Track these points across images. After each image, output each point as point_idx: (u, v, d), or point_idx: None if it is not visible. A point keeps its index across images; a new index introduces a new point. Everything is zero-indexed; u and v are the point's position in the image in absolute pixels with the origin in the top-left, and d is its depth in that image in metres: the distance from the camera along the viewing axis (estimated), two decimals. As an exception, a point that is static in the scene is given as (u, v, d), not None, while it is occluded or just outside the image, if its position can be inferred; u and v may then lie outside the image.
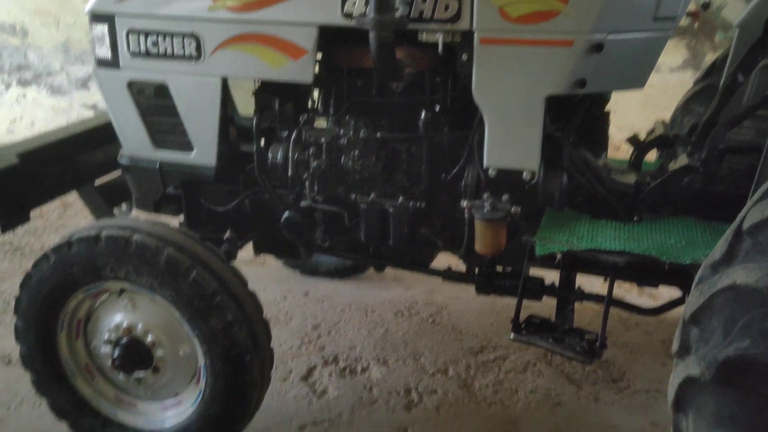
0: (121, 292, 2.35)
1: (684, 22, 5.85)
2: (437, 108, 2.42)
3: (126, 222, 2.30)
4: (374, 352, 3.23)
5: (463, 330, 3.42)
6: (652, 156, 2.73)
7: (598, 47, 2.10)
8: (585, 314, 3.31)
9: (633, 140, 2.64)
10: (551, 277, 2.53)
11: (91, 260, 2.22)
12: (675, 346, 1.73)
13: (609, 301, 2.21)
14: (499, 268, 2.57)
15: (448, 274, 2.63)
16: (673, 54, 5.64)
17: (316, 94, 2.62)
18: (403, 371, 3.09)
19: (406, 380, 3.03)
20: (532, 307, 2.46)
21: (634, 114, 5.66)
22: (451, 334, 3.40)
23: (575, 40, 2.09)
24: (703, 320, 1.63)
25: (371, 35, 2.11)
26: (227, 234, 2.59)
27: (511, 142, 2.27)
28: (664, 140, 2.58)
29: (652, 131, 2.71)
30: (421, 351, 3.24)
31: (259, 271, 3.92)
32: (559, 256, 2.17)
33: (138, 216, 2.68)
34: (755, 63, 2.34)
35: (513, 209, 2.22)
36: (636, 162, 2.60)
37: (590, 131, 2.53)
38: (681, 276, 2.16)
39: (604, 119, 2.56)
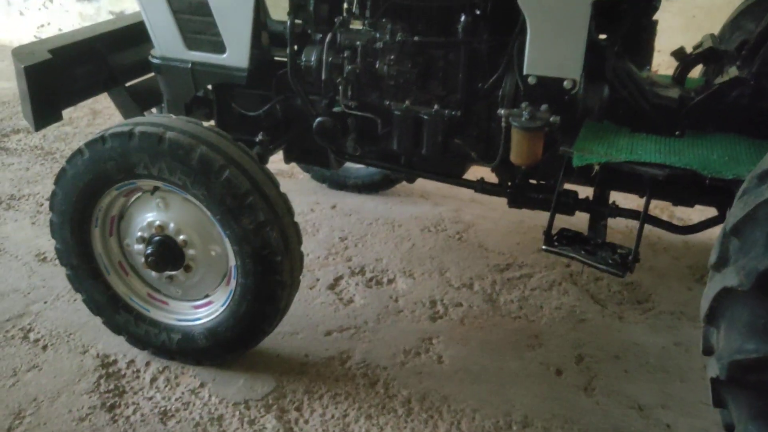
0: (155, 190, 2.36)
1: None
2: (477, 12, 2.33)
3: (159, 119, 2.28)
4: (400, 265, 3.25)
5: (489, 247, 3.42)
6: (695, 73, 2.63)
7: (652, -53, 1.98)
8: (614, 237, 3.28)
9: (678, 54, 2.53)
10: (584, 193, 2.49)
11: (125, 156, 2.21)
12: (713, 258, 1.70)
13: (645, 215, 2.17)
14: (534, 182, 2.53)
15: (481, 186, 2.59)
16: (721, -27, 5.34)
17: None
18: (429, 284, 3.11)
19: (431, 293, 3.05)
20: (565, 222, 2.43)
21: (677, 36, 5.42)
22: (477, 251, 3.40)
23: (629, -62, 1.98)
24: (746, 231, 1.60)
25: None
26: (260, 136, 2.56)
27: (554, 48, 2.18)
28: (713, 54, 2.47)
29: (699, 45, 2.59)
30: (447, 266, 3.25)
31: (287, 183, 3.92)
32: (596, 167, 2.12)
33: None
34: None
35: (552, 119, 2.16)
36: (680, 77, 2.50)
37: (635, 42, 2.42)
38: (721, 193, 2.11)
39: (650, 30, 2.45)
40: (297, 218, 2.40)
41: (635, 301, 3.05)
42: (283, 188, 2.36)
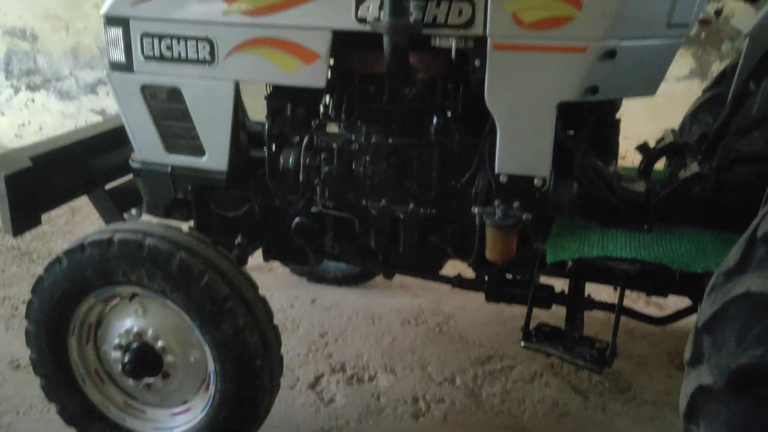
0: (133, 296, 2.35)
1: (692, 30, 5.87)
2: (449, 114, 2.42)
3: (139, 226, 2.30)
4: (381, 360, 3.22)
5: (470, 339, 3.41)
6: (659, 165, 2.74)
7: (611, 54, 2.10)
8: (592, 325, 3.30)
9: (642, 148, 2.64)
10: (560, 285, 2.53)
11: (104, 264, 2.22)
12: (687, 354, 1.72)
13: (620, 309, 2.20)
14: (510, 276, 2.57)
15: (458, 282, 2.63)
16: (679, 63, 5.64)
17: (328, 99, 2.63)
18: (411, 380, 3.08)
19: (413, 389, 3.02)
20: (541, 316, 2.45)
21: (642, 123, 5.65)
22: (458, 344, 3.39)
23: (588, 46, 2.10)
24: (716, 328, 1.63)
25: (385, 39, 2.12)
26: (238, 239, 2.59)
27: (522, 148, 2.27)
28: (674, 148, 2.58)
29: (661, 139, 2.71)
30: (428, 360, 3.23)
31: (267, 278, 3.92)
32: (570, 263, 2.17)
33: (150, 220, 2.69)
34: (766, 72, 2.35)
35: (524, 216, 2.22)
36: (645, 170, 2.60)
37: (601, 139, 2.53)
38: (692, 285, 2.16)
39: (614, 127, 2.56)
40: (277, 314, 2.39)
41: (617, 391, 3.04)
42: (262, 283, 2.37)
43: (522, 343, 2.22)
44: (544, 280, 2.50)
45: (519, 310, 3.49)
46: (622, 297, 2.22)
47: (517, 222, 2.22)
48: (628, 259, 2.11)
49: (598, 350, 2.18)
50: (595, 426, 2.81)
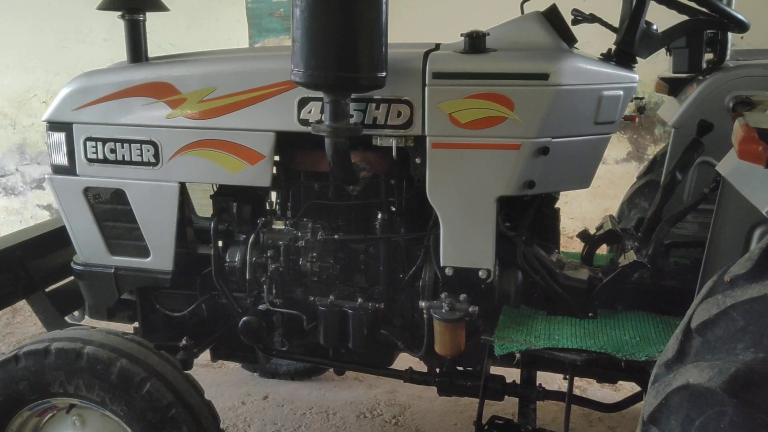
0: (70, 408, 2.25)
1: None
2: (393, 209, 2.47)
3: (77, 333, 2.23)
4: (336, 458, 3.13)
5: (426, 431, 3.35)
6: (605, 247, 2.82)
7: (544, 150, 2.19)
8: (549, 410, 3.28)
9: (583, 236, 2.72)
10: (513, 374, 2.53)
11: (40, 375, 2.13)
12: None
13: (569, 399, 2.21)
14: (462, 368, 2.56)
15: (410, 376, 2.60)
16: (618, 147, 5.92)
17: (273, 196, 2.65)
18: (367, 478, 2.99)
19: (369, 488, 2.92)
20: (495, 406, 2.44)
21: (585, 204, 5.87)
22: (415, 437, 3.32)
23: (522, 144, 2.19)
24: (662, 420, 1.64)
25: (327, 141, 2.18)
26: (183, 341, 2.53)
27: (466, 241, 2.31)
28: (613, 236, 2.66)
29: (601, 227, 2.80)
30: (385, 455, 3.15)
31: (217, 375, 3.81)
32: (518, 355, 2.18)
33: (89, 325, 2.61)
34: (692, 161, 2.48)
35: (471, 309, 2.24)
36: (587, 257, 2.67)
37: (542, 228, 2.60)
38: (638, 372, 2.19)
39: (554, 216, 2.64)
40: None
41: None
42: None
43: (474, 440, 2.19)
44: (496, 370, 2.50)
45: (475, 400, 3.46)
46: (571, 387, 2.23)
47: (465, 315, 2.23)
48: (574, 349, 2.14)
49: (549, 443, 2.16)
50: None
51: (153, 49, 2.68)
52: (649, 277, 2.36)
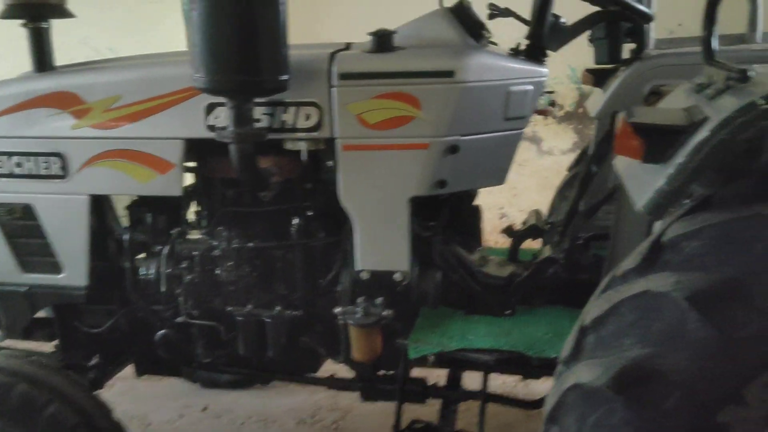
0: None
1: (570, 107, 6.22)
2: (309, 214, 2.42)
3: (-22, 356, 2.15)
4: (272, 468, 3.08)
5: (366, 434, 3.32)
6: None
7: (453, 149, 2.17)
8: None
9: (508, 231, 2.71)
10: (440, 375, 2.51)
11: (-64, 402, 2.05)
12: (542, 444, 1.71)
13: (484, 399, 2.19)
14: (386, 371, 2.52)
15: (332, 383, 2.56)
16: (563, 138, 5.94)
17: (189, 205, 2.59)
18: (302, 487, 2.95)
19: (305, 496, 2.88)
20: (431, 408, 2.41)
21: (534, 196, 5.87)
22: (354, 441, 3.29)
23: (431, 143, 2.17)
24: (560, 418, 1.62)
25: (231, 148, 2.13)
26: (94, 360, 2.45)
27: (380, 244, 2.28)
28: (535, 230, 2.65)
29: (526, 222, 2.79)
30: (323, 462, 3.11)
31: (156, 387, 3.72)
32: (431, 358, 2.15)
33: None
34: (606, 154, 2.47)
35: (385, 313, 2.21)
36: (512, 253, 2.66)
37: (462, 227, 2.58)
38: (552, 368, 2.17)
39: (474, 214, 2.62)
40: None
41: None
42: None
43: (391, 446, 2.16)
44: (422, 371, 2.47)
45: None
46: (485, 386, 2.21)
47: (379, 320, 2.20)
48: (486, 349, 2.12)
49: (468, 445, 2.14)
50: None
51: (90, 54, 2.60)
52: (566, 271, 2.35)
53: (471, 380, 2.55)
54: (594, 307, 1.61)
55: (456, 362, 2.26)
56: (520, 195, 5.89)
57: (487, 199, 6.36)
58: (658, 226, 1.91)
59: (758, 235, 1.37)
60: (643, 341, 1.45)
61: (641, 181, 1.46)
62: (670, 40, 3.32)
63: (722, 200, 1.51)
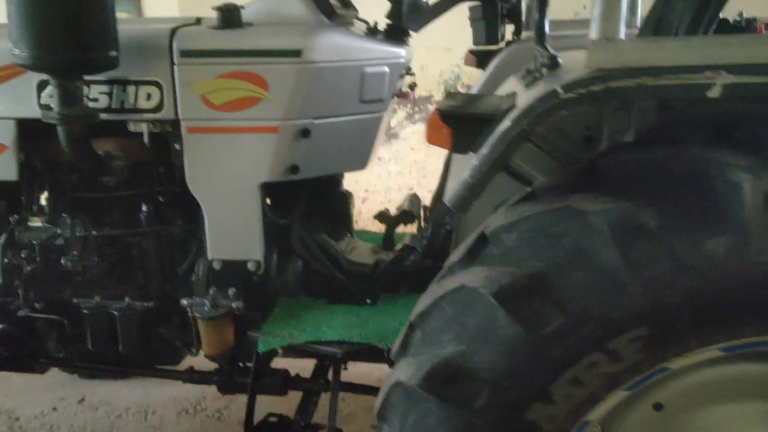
0: None
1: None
2: (161, 200, 2.29)
3: None
4: (143, 462, 2.96)
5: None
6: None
7: (305, 132, 2.07)
8: (351, 401, 3.19)
9: (381, 217, 2.63)
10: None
11: None
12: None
13: (335, 390, 2.12)
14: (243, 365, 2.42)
15: (189, 376, 2.45)
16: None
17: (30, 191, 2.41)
18: (173, 481, 2.84)
19: (174, 491, 2.77)
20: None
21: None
22: (236, 429, 3.18)
23: (281, 126, 2.06)
24: (387, 416, 1.57)
25: (59, 130, 1.97)
26: None
27: (231, 232, 2.17)
28: (408, 216, 2.58)
29: (400, 207, 2.72)
30: (198, 454, 3.01)
31: (30, 380, 3.51)
32: (280, 351, 2.07)
33: None
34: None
35: (235, 305, 2.10)
36: (387, 240, 2.59)
37: (330, 213, 2.49)
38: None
39: (343, 199, 2.53)
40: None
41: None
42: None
43: (240, 441, 2.08)
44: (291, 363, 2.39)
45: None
46: (337, 375, 2.14)
47: (228, 312, 2.10)
48: (336, 341, 2.04)
49: (319, 439, 2.08)
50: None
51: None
52: (429, 259, 2.29)
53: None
54: (421, 302, 1.54)
55: (307, 354, 2.18)
56: (429, 176, 5.86)
57: (396, 179, 6.34)
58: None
59: (566, 229, 1.32)
60: (458, 338, 1.40)
61: (456, 171, 1.40)
62: (556, 22, 3.28)
63: (544, 191, 1.46)
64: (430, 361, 1.39)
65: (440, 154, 2.41)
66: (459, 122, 1.34)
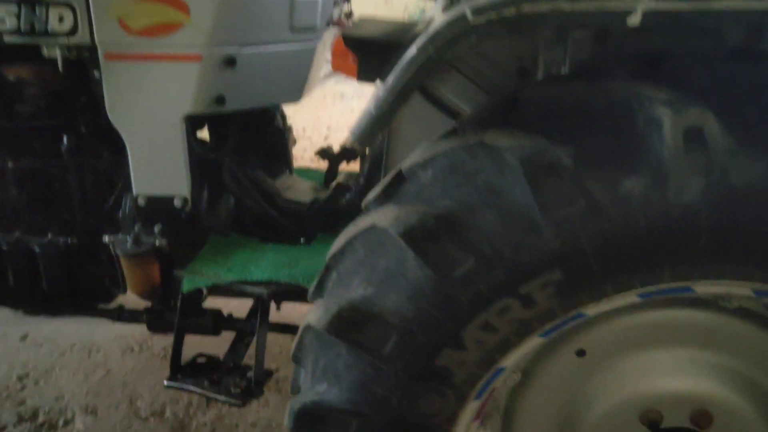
0: None
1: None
2: (83, 131, 2.15)
3: None
4: (84, 400, 2.90)
5: (195, 362, 3.18)
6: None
7: (230, 61, 1.94)
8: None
9: (323, 153, 2.52)
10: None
11: None
12: (291, 387, 1.60)
13: (262, 331, 2.06)
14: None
15: (118, 315, 2.37)
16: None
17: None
18: (113, 419, 2.80)
19: (113, 430, 2.74)
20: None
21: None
22: (181, 368, 3.14)
23: (203, 54, 1.92)
24: (302, 359, 1.51)
25: None
26: None
27: (155, 167, 2.05)
28: (349, 153, 2.48)
29: (343, 143, 2.61)
30: (140, 393, 2.96)
31: (-30, 317, 3.45)
32: (205, 291, 1.99)
33: None
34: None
35: (159, 242, 2.01)
36: (328, 177, 2.49)
37: (267, 149, 2.38)
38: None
39: (280, 135, 2.42)
40: None
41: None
42: None
43: (165, 383, 2.02)
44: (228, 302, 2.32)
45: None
46: (265, 317, 2.07)
47: (151, 249, 2.01)
48: (263, 282, 1.97)
49: (247, 380, 2.02)
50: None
51: None
52: (361, 198, 2.20)
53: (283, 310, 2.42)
54: (336, 242, 1.46)
55: (234, 294, 2.11)
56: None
57: (331, 115, 6.17)
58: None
59: (479, 166, 1.23)
60: (368, 281, 1.33)
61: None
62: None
63: (464, 126, 1.36)
64: (337, 304, 1.32)
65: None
66: (364, 48, 1.23)
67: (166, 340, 3.29)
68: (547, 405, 1.48)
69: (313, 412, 1.39)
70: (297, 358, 1.52)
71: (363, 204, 1.48)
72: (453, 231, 1.23)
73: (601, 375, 1.46)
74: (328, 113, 5.75)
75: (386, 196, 1.39)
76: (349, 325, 1.31)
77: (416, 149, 1.43)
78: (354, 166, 2.69)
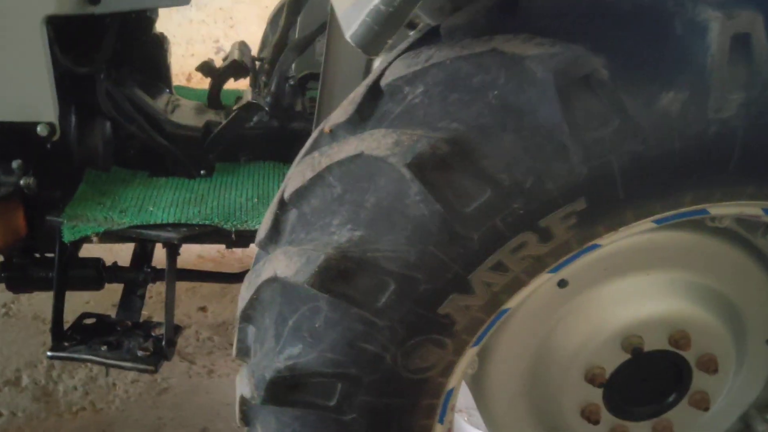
0: None
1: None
2: None
3: None
4: None
5: (48, 318, 2.72)
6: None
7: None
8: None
9: (204, 69, 2.15)
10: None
11: None
12: (234, 349, 1.35)
13: (171, 280, 1.75)
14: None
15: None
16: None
17: None
18: (-46, 396, 2.33)
19: (-44, 408, 2.28)
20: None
21: (254, 28, 5.24)
22: (31, 328, 2.69)
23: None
24: (256, 318, 1.26)
25: None
26: None
27: (11, 84, 1.60)
28: (238, 68, 2.14)
29: (227, 57, 2.25)
30: (-15, 361, 2.49)
31: None
32: (95, 238, 1.62)
33: None
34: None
35: (23, 181, 1.59)
36: (212, 97, 2.14)
37: (143, 63, 1.97)
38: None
39: (158, 46, 2.01)
40: None
41: (228, 345, 2.69)
42: None
43: (48, 354, 1.65)
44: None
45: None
46: (173, 264, 1.76)
47: (14, 191, 1.58)
48: (170, 224, 1.64)
49: (155, 340, 1.71)
50: (197, 397, 2.42)
51: None
52: (275, 119, 1.92)
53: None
54: (296, 175, 1.20)
55: (131, 240, 1.76)
56: (237, 26, 5.22)
57: (200, 29, 5.62)
58: (378, 63, 1.53)
59: (492, 80, 1.04)
60: (353, 221, 1.10)
61: (356, 1, 1.03)
62: None
63: (452, 31, 1.15)
64: (321, 252, 1.08)
65: (250, 1, 1.99)
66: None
67: (5, 296, 2.80)
68: (528, 339, 1.38)
69: (289, 378, 1.16)
70: (248, 317, 1.27)
71: (322, 127, 1.23)
72: (466, 159, 1.03)
73: (581, 304, 1.38)
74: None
75: (362, 118, 1.16)
76: (337, 276, 1.08)
77: (390, 61, 1.19)
78: (241, 84, 2.37)
